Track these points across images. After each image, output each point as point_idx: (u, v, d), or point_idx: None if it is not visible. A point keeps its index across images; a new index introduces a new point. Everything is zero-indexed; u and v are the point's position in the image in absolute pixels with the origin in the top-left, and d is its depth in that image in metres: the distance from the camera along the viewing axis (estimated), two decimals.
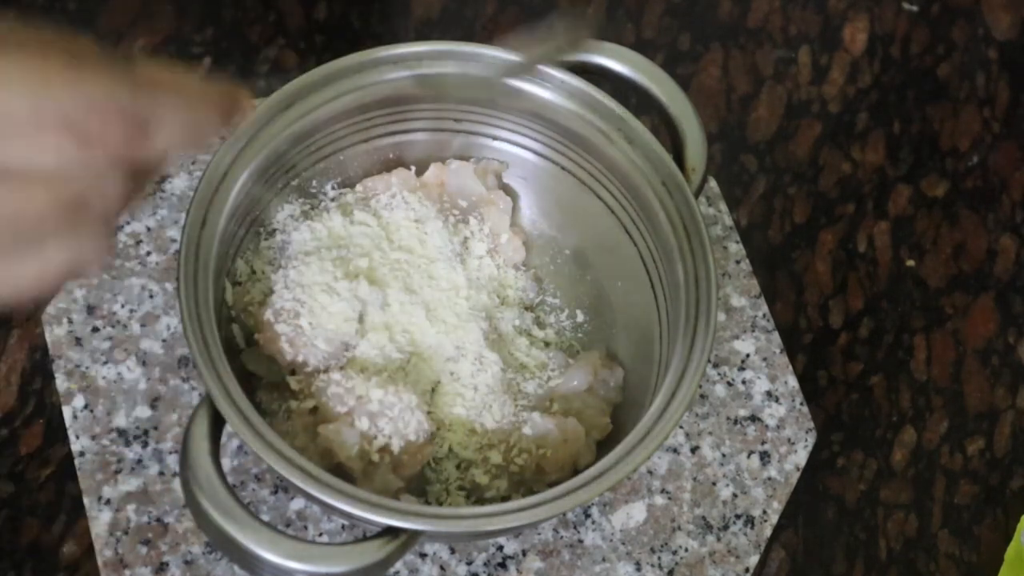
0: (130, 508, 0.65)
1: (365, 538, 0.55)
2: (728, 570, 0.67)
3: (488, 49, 0.66)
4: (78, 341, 0.68)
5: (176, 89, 0.40)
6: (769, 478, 0.70)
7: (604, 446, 0.66)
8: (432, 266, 0.67)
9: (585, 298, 0.72)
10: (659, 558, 0.67)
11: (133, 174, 0.39)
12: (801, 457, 0.70)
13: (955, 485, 0.75)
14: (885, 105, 0.87)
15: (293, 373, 0.64)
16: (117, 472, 0.66)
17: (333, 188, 0.69)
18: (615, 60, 0.67)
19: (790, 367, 0.73)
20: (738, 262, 0.75)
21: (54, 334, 0.68)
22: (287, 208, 0.68)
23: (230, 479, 0.61)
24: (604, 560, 0.67)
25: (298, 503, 0.66)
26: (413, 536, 0.55)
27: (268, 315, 0.63)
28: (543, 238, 0.73)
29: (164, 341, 0.69)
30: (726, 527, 0.68)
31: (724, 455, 0.70)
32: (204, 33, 0.84)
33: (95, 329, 0.68)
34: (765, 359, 0.72)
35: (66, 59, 0.36)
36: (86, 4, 0.84)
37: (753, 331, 0.73)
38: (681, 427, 0.70)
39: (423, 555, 0.66)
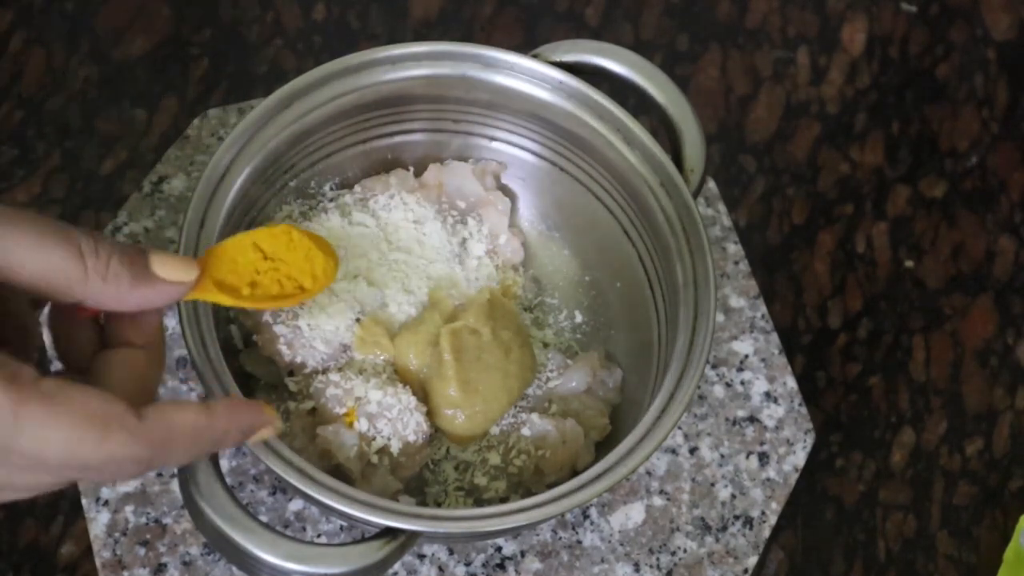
0: (128, 509, 0.65)
1: (364, 539, 0.55)
2: (727, 571, 0.67)
3: (486, 50, 0.66)
4: None
5: (190, 435, 0.44)
6: (768, 479, 0.70)
7: (603, 447, 0.66)
8: (431, 267, 0.67)
9: (584, 299, 0.72)
10: (658, 559, 0.67)
11: None
12: (800, 458, 0.70)
13: (954, 486, 0.75)
14: (884, 106, 0.87)
15: (291, 374, 0.64)
16: None
17: (331, 189, 0.69)
18: (613, 61, 0.67)
19: (789, 368, 0.73)
20: (737, 263, 0.75)
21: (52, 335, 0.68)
22: (285, 209, 0.68)
23: (228, 480, 0.61)
24: (603, 561, 0.67)
25: (297, 504, 0.66)
26: (412, 537, 0.55)
27: (266, 316, 0.63)
28: (542, 239, 0.73)
29: None
30: (725, 528, 0.68)
31: (723, 456, 0.70)
32: (202, 34, 0.84)
33: None
34: (764, 360, 0.72)
35: (98, 429, 0.40)
36: (84, 5, 0.84)
37: (752, 332, 0.73)
38: (680, 428, 0.70)
39: (422, 556, 0.66)
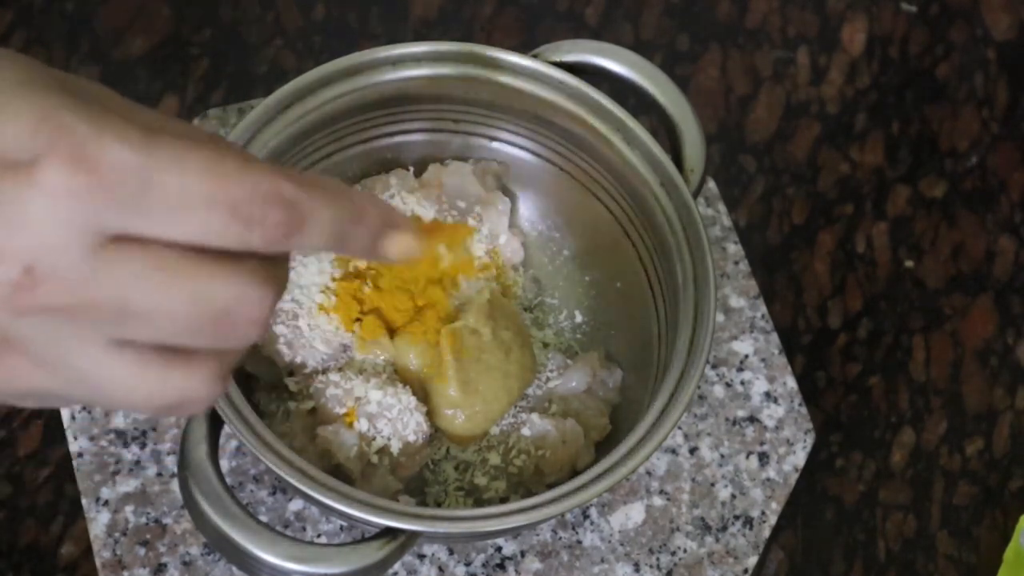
0: (128, 509, 0.65)
1: (364, 539, 0.55)
2: (727, 571, 0.67)
3: (486, 50, 0.66)
4: None
5: (331, 190, 0.39)
6: (768, 479, 0.70)
7: (603, 447, 0.66)
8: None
9: (584, 299, 0.72)
10: (658, 559, 0.67)
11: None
12: (800, 458, 0.70)
13: (954, 486, 0.75)
14: (884, 106, 0.87)
15: (291, 374, 0.64)
16: (115, 473, 0.66)
17: None
18: (613, 61, 0.67)
19: (789, 368, 0.73)
20: (736, 263, 0.75)
21: None
22: None
23: (228, 480, 0.61)
24: (603, 561, 0.67)
25: (296, 504, 0.66)
26: (411, 537, 0.55)
27: None
28: (542, 239, 0.73)
29: None
30: (725, 528, 0.68)
31: (723, 456, 0.70)
32: (202, 34, 0.84)
33: None
34: (764, 360, 0.72)
35: (239, 157, 0.36)
36: (84, 5, 0.84)
37: (752, 332, 0.73)
38: (680, 428, 0.70)
39: (421, 556, 0.66)
